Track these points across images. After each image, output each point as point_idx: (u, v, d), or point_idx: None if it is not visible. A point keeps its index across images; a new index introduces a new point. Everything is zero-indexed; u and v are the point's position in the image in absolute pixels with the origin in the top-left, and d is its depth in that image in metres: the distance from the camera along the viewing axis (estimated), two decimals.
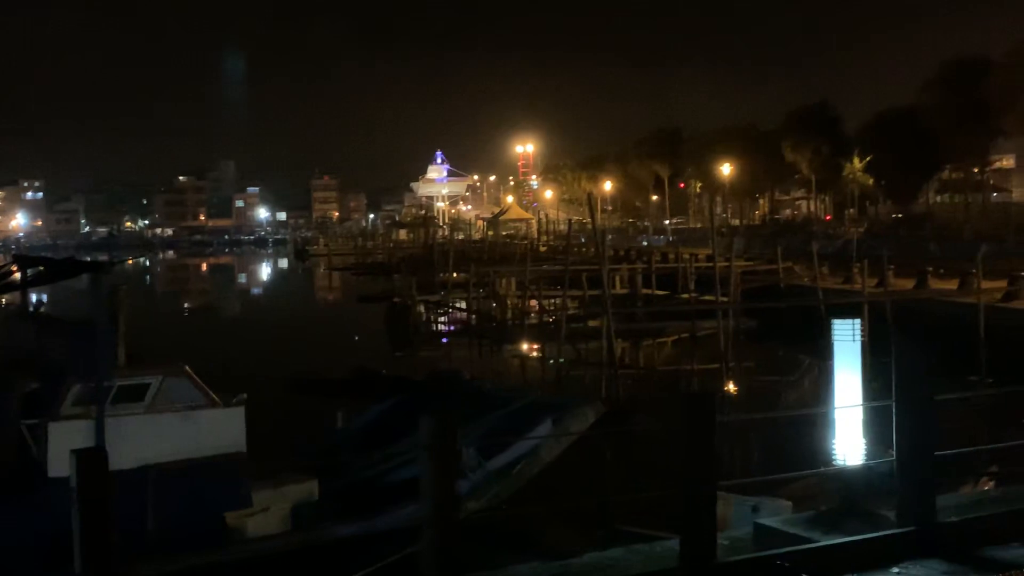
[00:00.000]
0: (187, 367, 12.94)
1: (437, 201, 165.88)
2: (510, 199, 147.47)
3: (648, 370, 31.83)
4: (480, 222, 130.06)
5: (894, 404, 7.72)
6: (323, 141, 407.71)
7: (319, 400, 22.16)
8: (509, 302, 42.47)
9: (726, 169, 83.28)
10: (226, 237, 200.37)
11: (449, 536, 6.34)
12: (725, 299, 34.38)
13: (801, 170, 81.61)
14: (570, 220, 65.13)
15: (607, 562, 7.53)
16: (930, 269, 36.16)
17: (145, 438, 11.98)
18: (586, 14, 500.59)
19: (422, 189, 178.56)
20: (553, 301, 42.10)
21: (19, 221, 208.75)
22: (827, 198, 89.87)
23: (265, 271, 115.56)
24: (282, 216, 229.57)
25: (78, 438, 11.01)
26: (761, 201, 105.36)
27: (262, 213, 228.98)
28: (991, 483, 12.87)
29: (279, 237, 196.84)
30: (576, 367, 28.86)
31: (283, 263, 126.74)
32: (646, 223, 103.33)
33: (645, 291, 44.03)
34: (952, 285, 33.41)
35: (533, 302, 42.80)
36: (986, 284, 29.96)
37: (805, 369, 28.22)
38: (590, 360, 28.99)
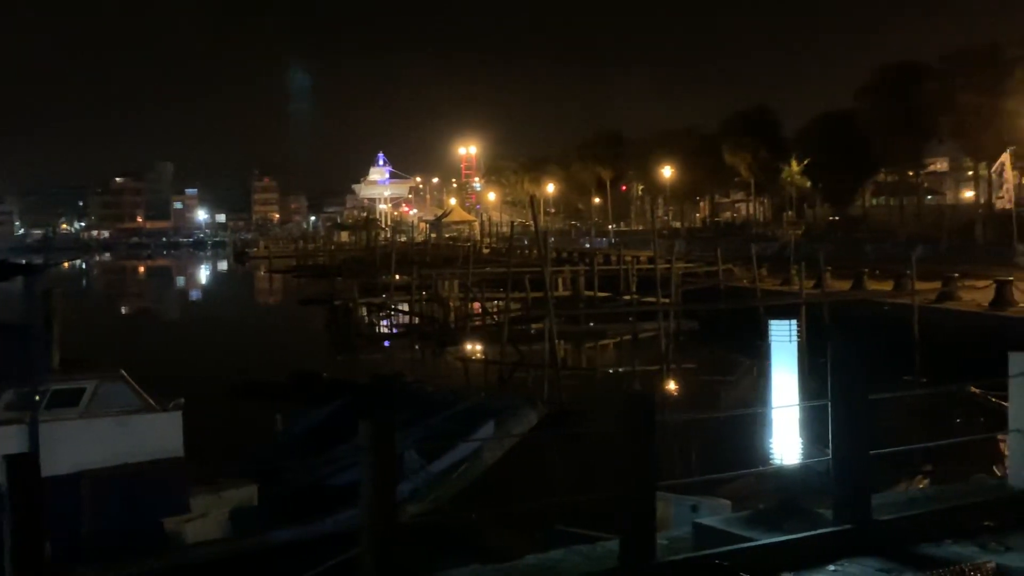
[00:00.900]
0: (123, 371, 12.75)
1: (379, 203, 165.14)
2: (453, 201, 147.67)
3: (590, 371, 31.93)
4: (423, 224, 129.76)
5: (830, 404, 7.81)
6: (264, 142, 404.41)
7: (259, 404, 21.97)
8: (452, 304, 42.47)
9: (667, 172, 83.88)
10: (164, 239, 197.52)
11: (388, 540, 6.31)
12: (666, 301, 34.61)
13: (741, 173, 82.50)
14: (513, 222, 65.15)
15: (548, 564, 7.52)
16: (866, 271, 36.70)
17: (80, 443, 11.78)
18: (529, 16, 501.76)
19: (364, 191, 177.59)
20: (496, 303, 42.17)
21: None
22: (766, 201, 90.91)
23: (204, 274, 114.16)
24: (221, 218, 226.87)
25: (10, 444, 10.77)
26: (702, 204, 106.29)
27: (201, 215, 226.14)
28: (926, 481, 13.08)
29: (218, 239, 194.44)
30: (519, 369, 28.87)
31: (222, 266, 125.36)
32: (589, 225, 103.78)
33: (588, 293, 44.27)
34: (887, 286, 33.93)
35: (476, 304, 42.82)
36: (920, 285, 30.47)
37: (745, 370, 28.49)
38: (533, 362, 29.03)
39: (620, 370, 31.44)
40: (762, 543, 7.39)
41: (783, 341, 8.39)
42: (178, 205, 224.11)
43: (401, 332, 43.03)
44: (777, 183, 79.65)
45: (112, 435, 12.08)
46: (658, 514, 9.37)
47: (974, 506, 8.48)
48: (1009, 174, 50.22)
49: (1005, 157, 49.20)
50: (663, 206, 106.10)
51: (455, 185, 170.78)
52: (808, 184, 75.57)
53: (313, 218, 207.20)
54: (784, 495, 8.09)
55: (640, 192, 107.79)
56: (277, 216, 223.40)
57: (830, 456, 7.88)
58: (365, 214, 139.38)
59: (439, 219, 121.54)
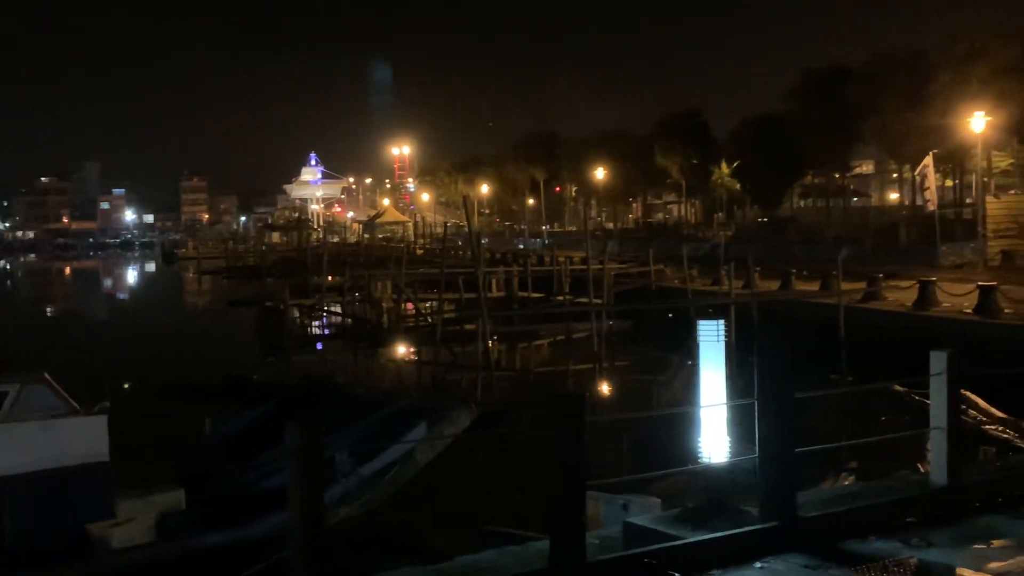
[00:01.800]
0: (47, 374, 12.50)
1: (311, 203, 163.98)
2: (386, 202, 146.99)
3: (524, 372, 32.02)
4: (355, 225, 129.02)
5: (756, 402, 7.91)
6: (193, 142, 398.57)
7: (187, 407, 21.68)
8: (385, 306, 42.28)
9: (600, 173, 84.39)
10: (91, 240, 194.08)
11: (317, 543, 6.24)
12: (599, 301, 34.82)
13: (672, 175, 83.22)
14: (446, 223, 65.19)
15: (479, 565, 7.52)
16: (794, 271, 37.19)
17: (2, 449, 11.52)
18: (462, 18, 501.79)
19: (296, 191, 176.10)
20: (429, 304, 42.06)
21: None
22: (697, 202, 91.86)
23: (131, 275, 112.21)
24: (149, 219, 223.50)
25: None
26: (634, 205, 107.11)
27: (128, 215, 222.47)
28: (851, 478, 13.30)
29: (146, 240, 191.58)
30: (452, 370, 28.84)
31: (150, 267, 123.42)
32: (523, 226, 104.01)
33: (521, 294, 44.36)
34: (815, 286, 34.40)
35: (409, 305, 42.66)
36: (846, 285, 30.93)
37: (676, 369, 28.76)
38: (466, 363, 29.03)
39: (553, 370, 31.56)
40: (690, 541, 7.46)
41: (711, 340, 8.45)
42: (105, 205, 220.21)
43: (333, 334, 42.75)
44: (708, 185, 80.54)
45: (35, 440, 11.84)
46: (589, 513, 9.43)
47: (898, 502, 8.65)
48: (932, 177, 51.25)
49: (928, 160, 50.14)
50: (596, 207, 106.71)
51: (388, 186, 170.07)
52: (738, 186, 76.54)
53: (244, 218, 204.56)
54: (712, 493, 8.16)
55: (574, 193, 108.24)
56: (207, 216, 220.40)
57: (757, 454, 7.99)
58: (297, 215, 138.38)
59: (372, 220, 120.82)
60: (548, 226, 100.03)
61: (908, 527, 8.21)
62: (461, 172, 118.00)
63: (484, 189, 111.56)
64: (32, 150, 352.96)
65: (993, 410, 17.49)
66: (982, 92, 49.02)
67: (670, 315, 35.45)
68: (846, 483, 12.46)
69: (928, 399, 9.11)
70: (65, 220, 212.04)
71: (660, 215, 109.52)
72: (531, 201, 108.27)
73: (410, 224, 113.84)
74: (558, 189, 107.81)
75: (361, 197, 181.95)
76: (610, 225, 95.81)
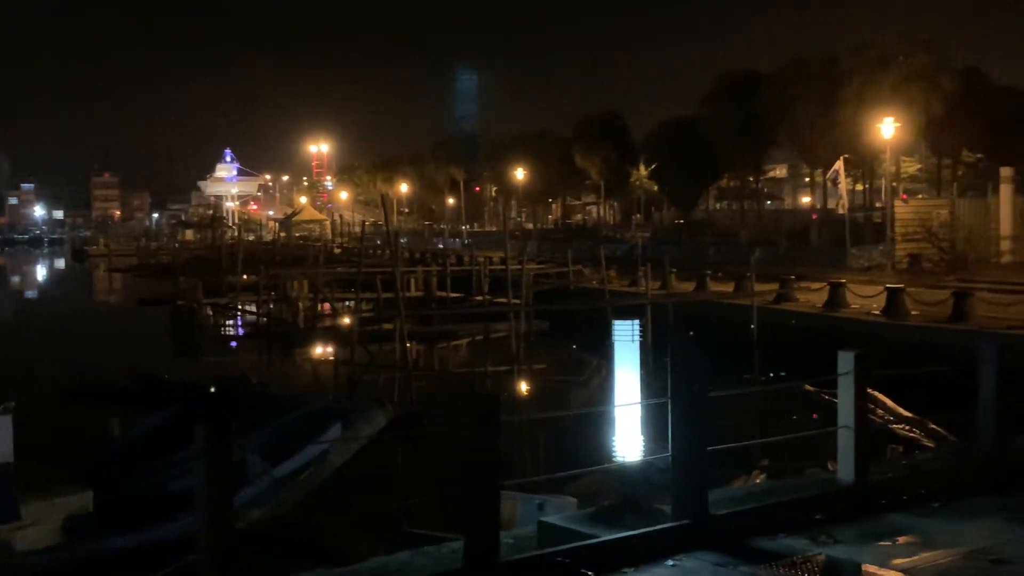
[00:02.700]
0: None
1: (227, 201, 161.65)
2: (303, 200, 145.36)
3: (442, 372, 31.92)
4: (272, 223, 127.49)
5: (670, 401, 7.99)
6: (106, 138, 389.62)
7: (96, 407, 21.16)
8: (301, 305, 41.77)
9: (520, 174, 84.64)
10: None
11: (225, 546, 6.13)
12: (517, 302, 34.89)
13: (591, 176, 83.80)
14: (364, 222, 64.62)
15: (393, 566, 7.46)
16: (709, 272, 37.72)
17: None
18: (382, 16, 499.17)
19: (210, 188, 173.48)
20: (347, 304, 41.72)
21: None
22: (616, 204, 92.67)
23: (40, 272, 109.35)
24: (59, 215, 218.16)
25: None
26: (554, 206, 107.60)
27: (38, 211, 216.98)
28: (762, 476, 13.49)
29: (56, 237, 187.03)
30: (369, 370, 28.63)
31: (60, 264, 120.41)
32: (442, 226, 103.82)
33: (440, 294, 44.25)
34: (729, 287, 34.92)
35: (326, 305, 42.27)
36: (759, 287, 31.45)
37: (593, 369, 28.93)
38: (383, 363, 28.85)
39: (472, 370, 31.52)
40: (603, 540, 7.49)
41: (626, 340, 8.56)
42: (13, 201, 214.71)
43: (248, 334, 42.16)
44: (626, 187, 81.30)
45: None
46: (505, 513, 9.45)
47: (806, 500, 8.78)
48: (843, 181, 52.42)
49: (839, 164, 51.32)
50: (516, 208, 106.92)
51: (306, 184, 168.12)
52: (655, 188, 77.39)
53: (156, 215, 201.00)
54: (626, 492, 8.22)
55: (494, 193, 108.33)
56: (119, 213, 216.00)
57: (670, 453, 8.06)
58: (211, 212, 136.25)
59: (289, 218, 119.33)
60: (468, 226, 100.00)
61: (816, 524, 8.33)
62: (380, 171, 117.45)
63: (404, 188, 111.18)
64: None
65: (900, 409, 17.92)
66: (892, 98, 50.28)
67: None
68: (757, 481, 12.63)
69: (834, 398, 9.29)
70: None
71: (579, 216, 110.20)
72: (451, 201, 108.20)
73: (328, 223, 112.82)
74: (478, 189, 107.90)
75: (278, 195, 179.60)
76: (530, 225, 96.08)
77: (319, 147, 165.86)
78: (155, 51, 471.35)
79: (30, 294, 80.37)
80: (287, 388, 24.30)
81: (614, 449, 8.26)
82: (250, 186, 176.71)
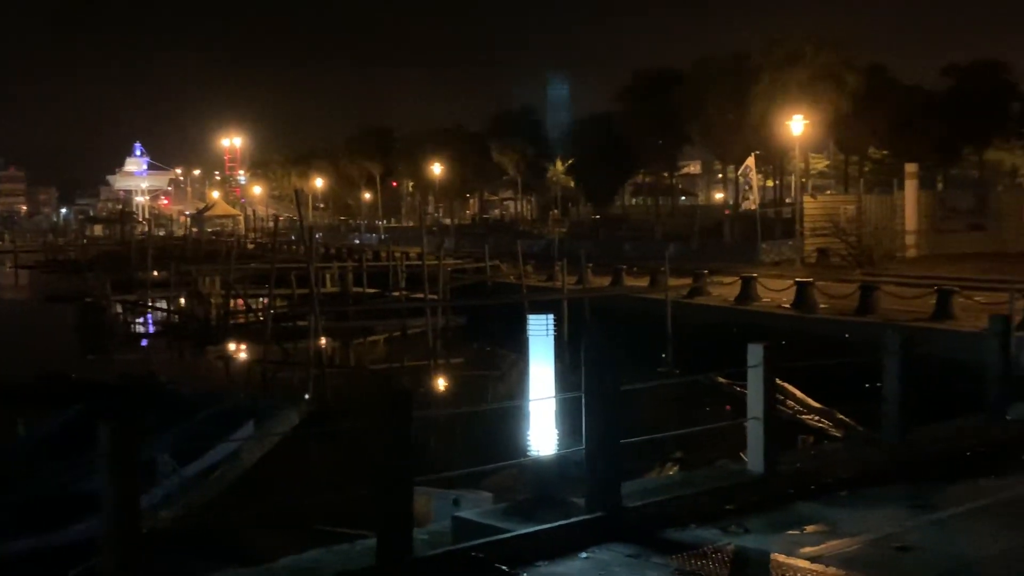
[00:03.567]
0: None
1: (136, 195, 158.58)
2: (216, 194, 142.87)
3: (358, 368, 31.68)
4: (183, 218, 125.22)
5: (583, 395, 8.03)
6: (10, 132, 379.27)
7: (0, 407, 20.58)
8: (213, 302, 41.12)
9: (437, 169, 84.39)
10: None
11: (131, 548, 6.00)
12: (434, 297, 34.81)
13: (508, 171, 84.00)
14: (278, 217, 63.92)
15: (305, 564, 7.38)
16: (624, 267, 38.01)
17: None
18: (292, 9, 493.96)
19: (119, 183, 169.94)
20: (260, 300, 41.16)
21: None
22: (533, 199, 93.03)
23: None
24: None
25: None
26: (471, 201, 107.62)
27: None
28: (675, 468, 13.66)
29: None
30: (283, 368, 28.28)
31: None
32: (359, 221, 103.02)
33: (356, 289, 43.90)
34: (644, 282, 35.24)
35: (239, 301, 41.66)
36: (673, 281, 31.73)
37: (510, 364, 28.98)
38: (298, 360, 28.51)
39: (388, 366, 31.33)
40: (517, 534, 7.50)
41: (540, 335, 8.50)
42: None
43: (159, 331, 41.39)
44: (543, 182, 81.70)
45: None
46: (420, 509, 9.40)
47: (717, 491, 8.90)
48: (754, 177, 53.28)
49: (750, 161, 52.12)
50: (433, 203, 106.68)
51: (218, 178, 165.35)
52: (572, 183, 77.90)
53: (64, 210, 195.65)
54: (540, 486, 8.24)
55: (411, 188, 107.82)
56: (25, 208, 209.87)
57: (584, 446, 8.10)
58: (120, 207, 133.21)
59: (201, 213, 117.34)
60: (384, 221, 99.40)
61: (726, 514, 8.45)
62: (295, 165, 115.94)
63: (319, 183, 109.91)
64: None
65: (809, 400, 18.30)
66: (800, 96, 51.22)
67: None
68: (670, 473, 12.78)
69: (745, 390, 9.43)
70: None
71: (497, 211, 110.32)
72: (367, 196, 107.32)
73: (241, 218, 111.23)
74: (395, 184, 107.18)
75: (189, 189, 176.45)
76: (447, 221, 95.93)
77: (232, 141, 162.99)
78: (62, 46, 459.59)
79: None
80: (199, 386, 23.80)
81: (529, 443, 8.22)
82: (161, 180, 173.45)
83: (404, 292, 39.67)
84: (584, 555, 7.46)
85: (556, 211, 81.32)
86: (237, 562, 8.09)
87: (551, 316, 8.93)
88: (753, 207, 51.95)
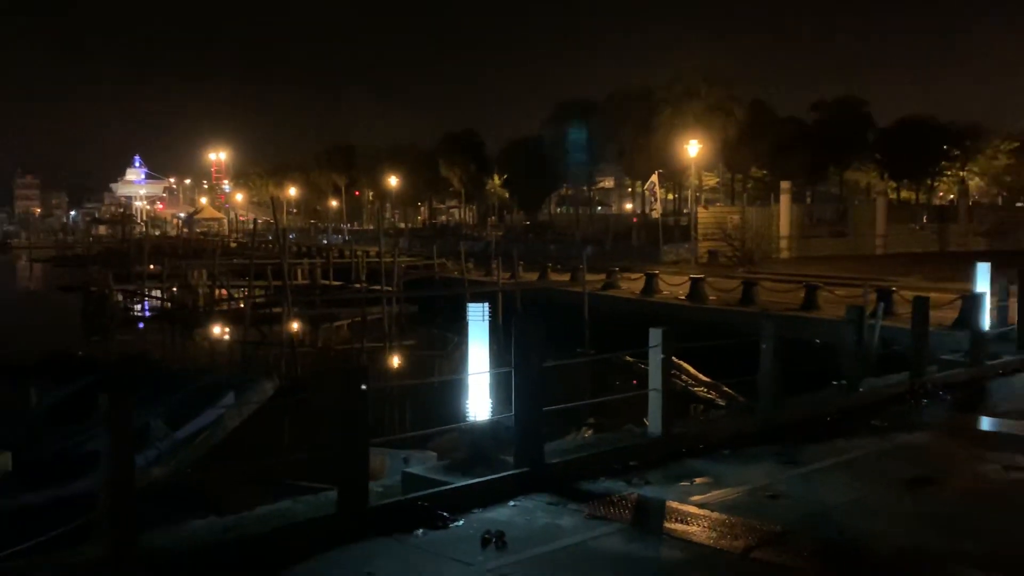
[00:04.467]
0: None
1: (136, 201, 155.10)
2: (204, 200, 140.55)
3: (324, 349, 31.29)
4: (176, 220, 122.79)
5: (513, 370, 8.04)
6: (27, 143, 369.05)
7: (14, 381, 20.00)
8: (200, 291, 40.42)
9: (394, 181, 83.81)
10: None
11: (125, 498, 5.88)
12: (390, 289, 34.53)
13: (454, 184, 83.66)
14: (256, 220, 62.91)
15: (277, 512, 7.31)
16: (550, 265, 38.14)
17: None
18: (269, 42, 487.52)
19: (121, 190, 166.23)
20: (241, 291, 40.52)
21: None
22: (474, 207, 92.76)
23: None
24: None
25: None
26: (422, 208, 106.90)
27: None
28: (589, 431, 13.73)
29: None
30: (260, 348, 27.88)
31: None
32: (326, 224, 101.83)
33: (323, 282, 43.47)
34: (566, 277, 35.37)
35: (223, 291, 40.98)
36: (590, 277, 31.90)
37: (454, 345, 28.87)
38: (273, 341, 28.13)
39: (350, 347, 31.04)
40: (456, 486, 7.51)
41: (477, 320, 8.51)
42: None
43: (153, 316, 40.50)
44: (483, 193, 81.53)
45: None
46: (375, 466, 9.34)
47: (623, 450, 8.98)
48: (658, 191, 53.79)
49: (654, 178, 52.70)
50: (390, 209, 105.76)
51: (206, 186, 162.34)
52: (507, 195, 77.83)
53: (73, 213, 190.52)
54: (476, 446, 8.24)
55: (371, 197, 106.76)
56: (39, 211, 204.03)
57: (513, 413, 8.11)
58: (122, 210, 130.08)
59: (191, 216, 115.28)
60: (348, 224, 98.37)
61: (630, 470, 8.54)
62: (272, 176, 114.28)
63: (292, 192, 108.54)
64: None
65: (700, 375, 18.49)
66: (696, 124, 51.81)
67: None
68: (585, 435, 12.84)
69: (648, 367, 9.51)
70: None
71: (444, 217, 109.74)
72: (334, 203, 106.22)
73: (225, 221, 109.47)
74: (357, 193, 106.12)
75: (181, 196, 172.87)
76: (402, 225, 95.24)
77: (218, 155, 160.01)
78: (72, 70, 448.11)
79: None
80: (187, 363, 23.45)
81: (468, 411, 8.22)
82: (156, 188, 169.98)
83: (364, 284, 39.29)
84: (512, 503, 7.49)
85: (493, 218, 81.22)
86: (219, 512, 7.96)
87: (487, 304, 8.94)
88: (657, 216, 52.48)
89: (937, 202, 72.12)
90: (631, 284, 32.09)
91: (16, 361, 22.87)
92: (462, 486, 7.50)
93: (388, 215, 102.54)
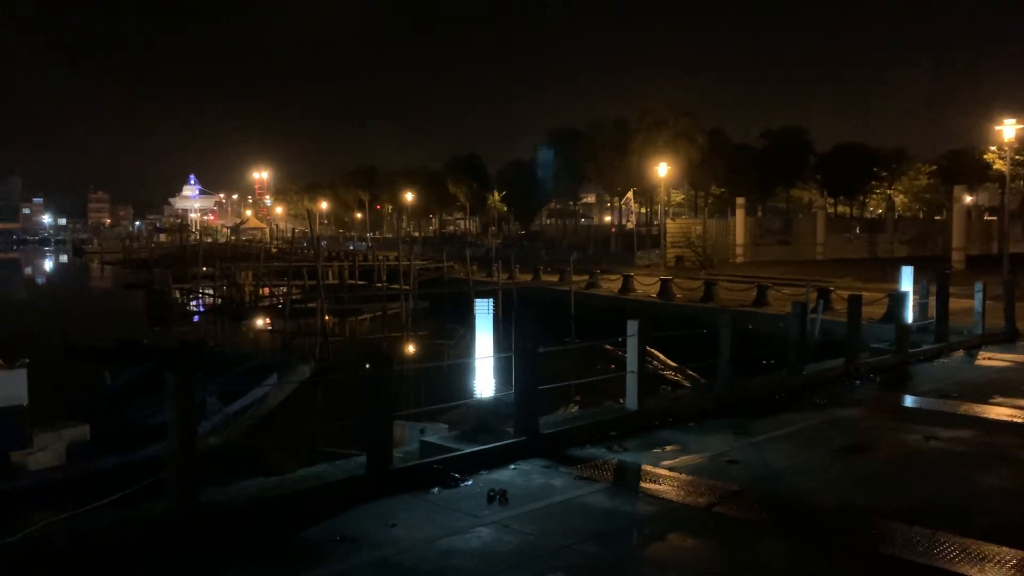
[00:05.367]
0: None
1: (191, 212, 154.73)
2: (249, 213, 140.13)
3: (351, 337, 31.31)
4: (225, 229, 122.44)
5: (513, 355, 8.08)
6: (99, 164, 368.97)
7: (91, 363, 20.01)
8: (246, 289, 40.37)
9: (409, 196, 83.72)
10: (15, 237, 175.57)
11: (189, 462, 5.92)
12: (407, 287, 34.49)
13: (460, 199, 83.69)
14: (294, 230, 62.85)
15: (313, 474, 7.33)
16: (541, 267, 38.14)
17: None
18: (304, 77, 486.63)
19: (179, 203, 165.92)
20: (280, 289, 40.47)
21: None
22: (477, 219, 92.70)
23: (48, 265, 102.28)
24: (63, 221, 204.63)
25: None
26: (433, 219, 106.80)
27: (46, 218, 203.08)
28: (575, 407, 13.75)
29: (60, 238, 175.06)
30: (297, 337, 27.85)
31: (63, 258, 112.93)
32: (352, 233, 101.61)
33: (350, 281, 43.39)
34: (555, 278, 35.37)
35: (265, 289, 40.96)
36: (575, 277, 31.87)
37: (461, 335, 28.84)
38: (307, 331, 28.08)
39: (373, 337, 31.02)
40: (465, 452, 7.54)
41: (484, 313, 8.57)
42: (26, 211, 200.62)
43: (206, 310, 40.46)
44: (485, 207, 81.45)
45: None
46: (396, 436, 9.35)
47: (604, 423, 9.01)
48: (633, 206, 53.79)
49: (630, 195, 52.64)
50: (407, 220, 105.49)
51: (251, 200, 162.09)
52: (505, 208, 77.82)
53: (138, 223, 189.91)
54: (481, 419, 8.27)
55: (390, 210, 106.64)
56: (108, 221, 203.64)
57: (513, 391, 8.15)
58: (179, 220, 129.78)
59: (238, 226, 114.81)
60: (371, 233, 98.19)
61: (611, 438, 8.58)
62: (306, 192, 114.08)
63: (324, 205, 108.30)
64: None
65: (668, 360, 18.52)
66: (665, 149, 51.85)
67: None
68: (572, 410, 12.86)
69: (625, 353, 9.55)
70: None
71: (451, 227, 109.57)
72: (359, 215, 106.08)
73: (267, 230, 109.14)
74: (378, 207, 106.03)
75: (229, 209, 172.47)
76: (416, 234, 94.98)
77: (261, 173, 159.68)
78: (138, 98, 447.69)
79: (40, 280, 75.19)
80: (236, 349, 23.38)
81: (474, 390, 8.26)
82: (208, 202, 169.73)
83: (384, 283, 39.26)
84: (512, 467, 7.52)
85: (493, 228, 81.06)
86: (266, 473, 7.98)
87: (491, 300, 8.98)
88: (631, 226, 52.45)
89: (868, 215, 72.26)
90: (610, 284, 32.10)
91: (91, 348, 22.88)
92: (470, 452, 7.53)
93: (404, 225, 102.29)
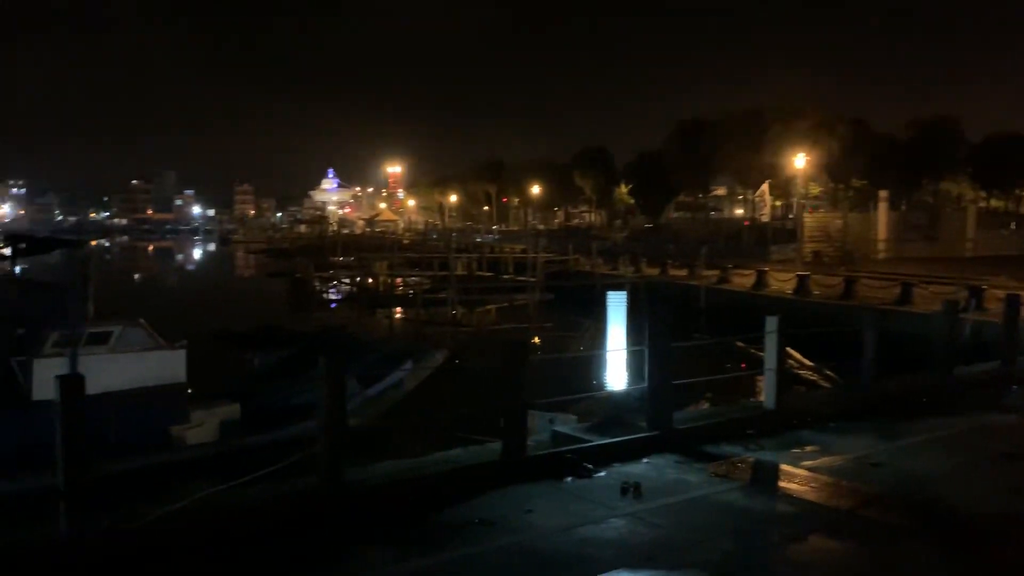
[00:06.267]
0: (142, 320, 12.31)
1: (329, 205, 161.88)
2: (383, 206, 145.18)
3: (479, 328, 31.89)
4: (360, 221, 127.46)
5: (646, 349, 8.05)
6: (244, 159, 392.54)
7: (240, 347, 21.34)
8: (381, 279, 41.88)
9: (535, 190, 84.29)
10: (167, 227, 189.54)
11: (340, 439, 6.27)
12: (533, 279, 34.82)
13: (586, 192, 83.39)
14: (426, 222, 64.64)
15: (449, 458, 7.58)
16: (669, 261, 37.52)
17: (109, 372, 11.32)
18: (435, 74, 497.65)
19: (318, 196, 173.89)
20: (413, 279, 41.76)
21: (5, 211, 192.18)
22: (603, 212, 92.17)
23: (197, 253, 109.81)
24: (211, 212, 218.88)
25: (57, 371, 10.27)
26: (559, 212, 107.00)
27: (196, 210, 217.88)
28: (707, 403, 13.52)
29: (208, 228, 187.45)
30: (428, 326, 28.67)
31: (211, 247, 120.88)
32: (480, 226, 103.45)
33: (478, 273, 44.15)
34: (684, 272, 34.78)
35: (399, 280, 42.36)
36: (705, 272, 31.33)
37: (586, 327, 28.82)
38: (438, 320, 28.88)
39: (500, 327, 31.48)
40: (597, 443, 7.59)
41: (617, 306, 8.60)
42: (179, 202, 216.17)
43: (344, 298, 42.28)
44: (611, 200, 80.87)
45: (133, 366, 11.67)
46: (527, 424, 9.52)
47: (741, 420, 8.86)
48: (767, 198, 52.03)
49: (765, 186, 50.94)
50: (532, 213, 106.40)
51: (384, 194, 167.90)
52: (632, 201, 76.97)
53: (279, 214, 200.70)
54: (613, 412, 8.30)
55: (516, 203, 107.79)
56: (252, 212, 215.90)
57: (646, 384, 8.12)
58: (319, 213, 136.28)
59: (372, 218, 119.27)
60: (498, 226, 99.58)
61: (748, 437, 8.41)
62: (436, 186, 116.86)
63: (452, 199, 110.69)
64: (125, 160, 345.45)
65: (804, 360, 17.91)
66: (802, 140, 49.75)
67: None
68: (705, 407, 12.66)
69: (759, 351, 9.31)
70: (149, 212, 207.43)
71: (577, 220, 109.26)
72: (486, 208, 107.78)
73: (399, 222, 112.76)
74: (505, 200, 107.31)
75: (364, 201, 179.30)
76: (541, 227, 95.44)
77: (394, 168, 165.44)
78: (283, 95, 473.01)
79: (190, 268, 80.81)
80: (372, 336, 24.34)
81: (605, 381, 8.30)
82: (345, 195, 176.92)
83: (511, 276, 39.75)
84: (645, 460, 7.52)
85: (619, 221, 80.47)
86: (400, 456, 8.31)
87: (624, 293, 8.99)
88: (765, 220, 50.76)
89: None
90: (742, 279, 31.25)
91: (239, 333, 24.36)
92: (603, 443, 7.57)
93: (530, 218, 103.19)
